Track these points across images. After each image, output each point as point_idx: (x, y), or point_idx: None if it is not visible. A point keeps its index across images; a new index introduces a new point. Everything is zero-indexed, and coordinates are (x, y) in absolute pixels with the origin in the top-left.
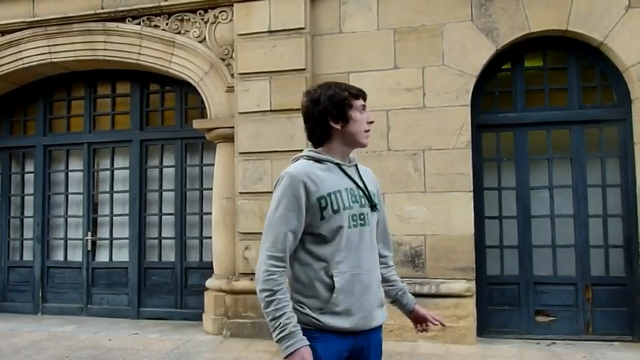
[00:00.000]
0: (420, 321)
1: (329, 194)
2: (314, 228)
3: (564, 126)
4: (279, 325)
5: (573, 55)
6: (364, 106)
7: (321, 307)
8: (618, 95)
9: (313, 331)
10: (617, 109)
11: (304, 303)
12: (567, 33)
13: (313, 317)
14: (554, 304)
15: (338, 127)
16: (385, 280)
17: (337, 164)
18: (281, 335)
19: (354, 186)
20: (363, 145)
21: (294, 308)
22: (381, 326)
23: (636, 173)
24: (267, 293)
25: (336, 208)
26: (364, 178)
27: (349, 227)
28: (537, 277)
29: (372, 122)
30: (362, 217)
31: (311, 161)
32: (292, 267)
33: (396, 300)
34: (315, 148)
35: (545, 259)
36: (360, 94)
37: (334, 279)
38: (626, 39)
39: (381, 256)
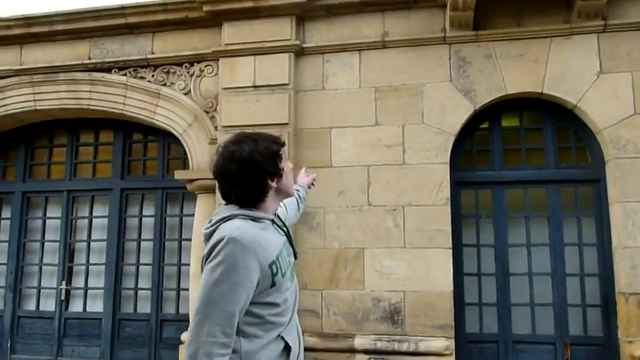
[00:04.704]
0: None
1: (277, 257)
2: (263, 297)
3: (541, 185)
4: None
5: (549, 116)
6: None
7: None
8: (592, 156)
9: None
10: (592, 170)
11: None
12: (543, 95)
13: None
14: None
15: (274, 184)
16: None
17: (272, 220)
18: None
19: (285, 238)
20: (292, 195)
21: None
22: None
23: (612, 233)
24: None
25: (283, 271)
26: (286, 222)
27: (291, 283)
28: (516, 335)
29: (292, 168)
30: (293, 268)
31: (249, 221)
32: (239, 344)
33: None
34: (245, 208)
35: (523, 317)
36: (283, 142)
37: (286, 340)
38: (599, 102)
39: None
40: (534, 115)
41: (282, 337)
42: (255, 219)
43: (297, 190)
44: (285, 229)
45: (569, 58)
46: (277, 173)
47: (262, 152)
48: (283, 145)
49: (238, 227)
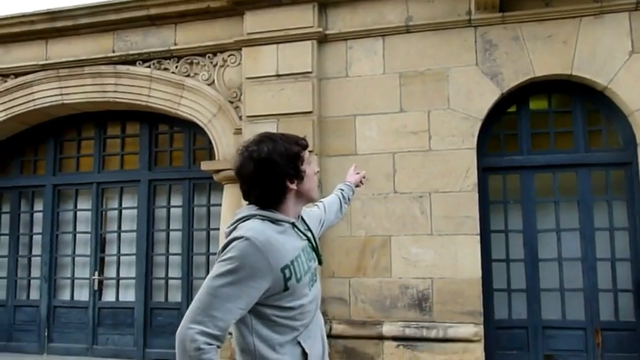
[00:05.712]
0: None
1: (292, 262)
2: (275, 300)
3: (570, 169)
4: None
5: (578, 99)
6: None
7: None
8: (624, 139)
9: None
10: (623, 153)
11: None
12: (572, 77)
13: None
14: (564, 349)
15: (294, 186)
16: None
17: (292, 224)
18: None
19: (306, 243)
20: (315, 200)
21: None
22: None
23: None
24: None
25: (299, 276)
26: (310, 225)
27: (309, 289)
28: (546, 321)
29: (317, 172)
30: (315, 273)
31: (267, 222)
32: (253, 346)
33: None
34: (264, 209)
35: (553, 302)
36: (307, 144)
37: (303, 345)
38: (630, 83)
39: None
40: (563, 97)
41: (299, 342)
42: (273, 221)
43: (342, 190)
44: (308, 233)
45: (600, 38)
46: (297, 175)
47: (282, 153)
48: (306, 146)
49: (253, 228)
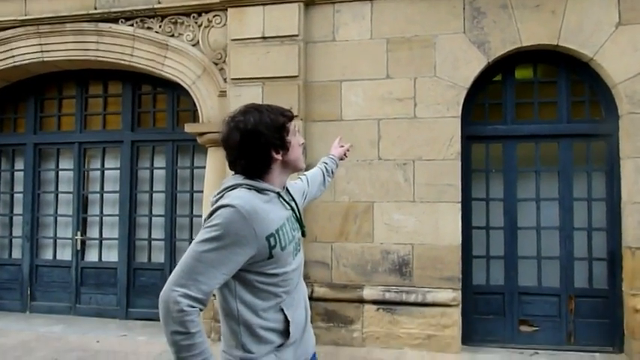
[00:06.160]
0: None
1: (277, 230)
2: (259, 267)
3: (553, 139)
4: None
5: (563, 70)
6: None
7: (271, 350)
8: (606, 111)
9: None
10: (605, 125)
11: (253, 352)
12: (558, 48)
13: None
14: (538, 315)
15: (279, 157)
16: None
17: (277, 193)
18: None
19: (290, 213)
20: (302, 169)
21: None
22: (315, 354)
23: (622, 188)
24: (183, 337)
25: (283, 245)
26: (295, 197)
27: (293, 258)
28: (522, 287)
29: (302, 144)
30: (298, 243)
31: (253, 191)
32: (236, 311)
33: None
34: (250, 178)
35: (530, 269)
36: (293, 116)
37: (285, 312)
38: (616, 55)
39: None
40: (549, 68)
41: (282, 309)
42: (259, 190)
43: (325, 163)
44: (292, 204)
45: (588, 8)
46: (283, 146)
47: (267, 124)
48: (292, 117)
49: (240, 197)
